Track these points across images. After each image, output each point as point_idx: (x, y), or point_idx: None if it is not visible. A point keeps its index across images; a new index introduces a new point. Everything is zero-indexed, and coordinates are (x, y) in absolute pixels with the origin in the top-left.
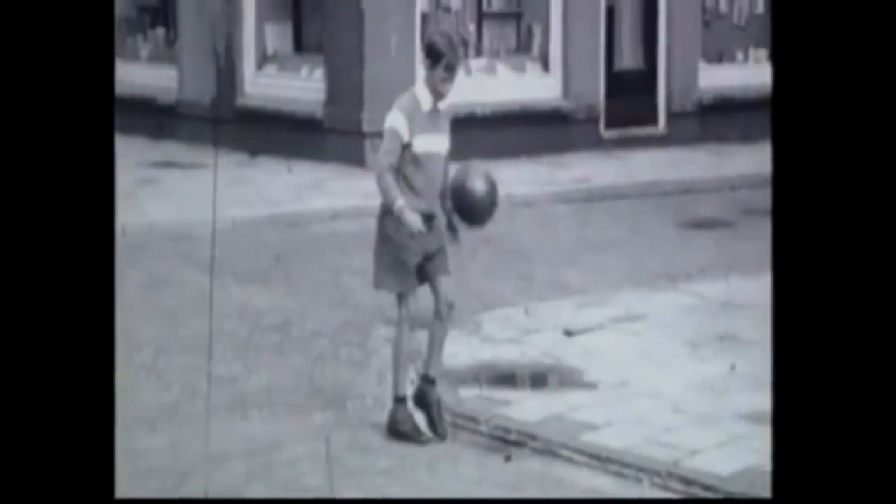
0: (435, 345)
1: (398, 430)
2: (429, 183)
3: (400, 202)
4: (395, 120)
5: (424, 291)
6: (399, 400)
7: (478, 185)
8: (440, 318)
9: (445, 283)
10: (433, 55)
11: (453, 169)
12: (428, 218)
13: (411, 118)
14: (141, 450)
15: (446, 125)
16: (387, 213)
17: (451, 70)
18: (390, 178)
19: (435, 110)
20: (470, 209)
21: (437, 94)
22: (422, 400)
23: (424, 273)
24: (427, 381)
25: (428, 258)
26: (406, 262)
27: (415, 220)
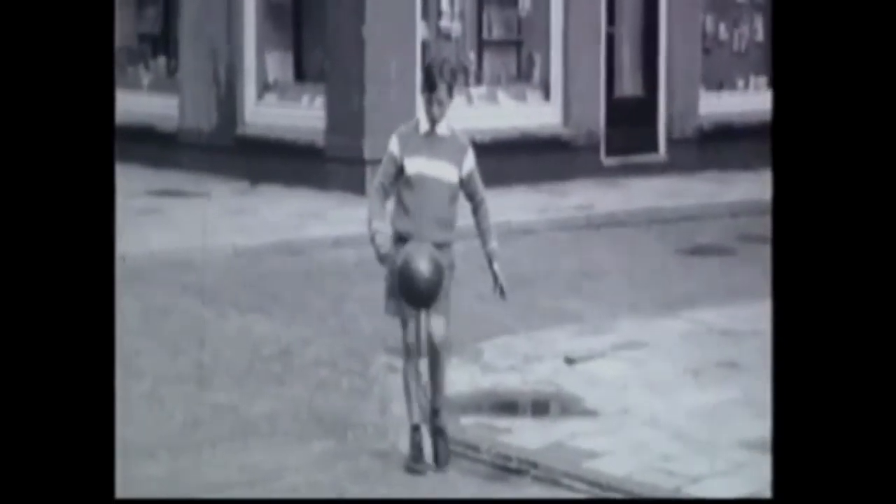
0: (429, 377)
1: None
2: (419, 207)
3: (374, 225)
4: (391, 141)
5: None
6: (414, 428)
7: (422, 266)
8: (425, 355)
9: (434, 324)
10: (423, 78)
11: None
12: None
13: (406, 140)
14: (141, 478)
15: (452, 153)
16: (397, 239)
17: (430, 91)
18: (375, 200)
19: (432, 134)
20: (411, 289)
21: (430, 118)
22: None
23: None
24: (433, 412)
25: None
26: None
27: (377, 248)
